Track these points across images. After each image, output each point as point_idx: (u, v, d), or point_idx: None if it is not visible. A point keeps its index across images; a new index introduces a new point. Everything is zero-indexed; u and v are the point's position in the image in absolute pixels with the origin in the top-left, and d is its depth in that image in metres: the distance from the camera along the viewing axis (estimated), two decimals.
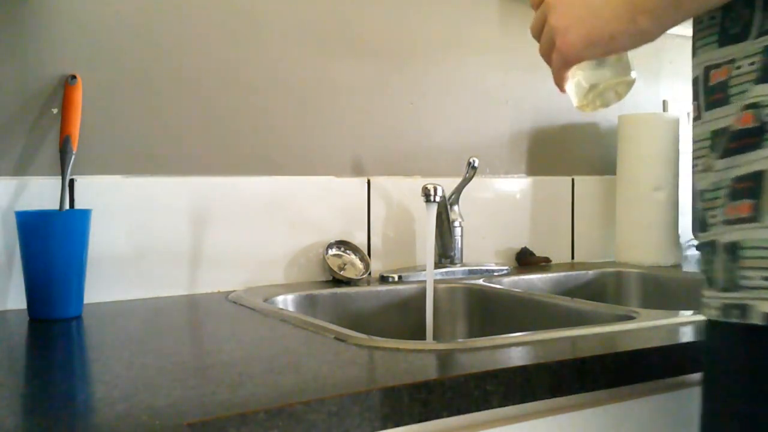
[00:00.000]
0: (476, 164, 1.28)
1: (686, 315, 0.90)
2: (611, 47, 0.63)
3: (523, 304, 1.09)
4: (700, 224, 0.61)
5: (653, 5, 0.58)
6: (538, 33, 0.69)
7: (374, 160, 1.29)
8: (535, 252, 1.43)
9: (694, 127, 0.63)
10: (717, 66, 0.59)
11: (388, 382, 0.61)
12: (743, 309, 0.54)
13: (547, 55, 0.68)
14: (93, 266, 1.01)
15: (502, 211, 1.42)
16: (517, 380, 0.66)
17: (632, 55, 0.68)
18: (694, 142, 0.63)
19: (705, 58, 0.61)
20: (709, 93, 0.60)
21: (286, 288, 1.13)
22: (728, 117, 0.57)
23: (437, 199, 1.11)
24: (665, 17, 0.58)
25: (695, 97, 0.63)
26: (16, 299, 0.97)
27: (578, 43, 0.63)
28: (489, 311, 1.16)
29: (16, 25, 1.00)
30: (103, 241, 1.04)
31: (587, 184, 1.52)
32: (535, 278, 1.30)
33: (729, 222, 0.56)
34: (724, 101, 0.58)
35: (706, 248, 0.59)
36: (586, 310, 0.99)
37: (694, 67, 0.63)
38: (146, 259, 1.07)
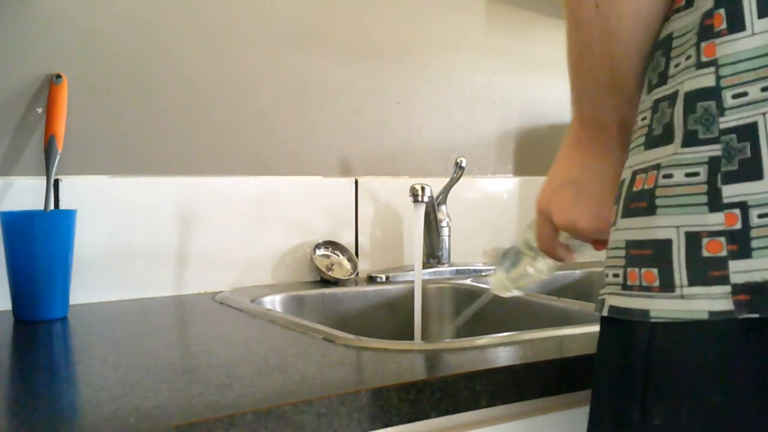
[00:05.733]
0: (464, 164, 1.28)
1: None
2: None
3: (511, 304, 1.09)
4: None
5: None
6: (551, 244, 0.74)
7: (362, 160, 1.29)
8: None
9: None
10: (643, 171, 0.53)
11: (376, 382, 0.61)
12: (601, 303, 0.56)
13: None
14: (79, 267, 1.00)
15: (490, 211, 1.42)
16: (506, 380, 0.66)
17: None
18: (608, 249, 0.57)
19: (632, 161, 0.55)
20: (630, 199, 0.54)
21: (274, 288, 1.13)
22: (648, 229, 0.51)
23: (425, 199, 1.11)
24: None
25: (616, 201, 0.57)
26: (0, 300, 0.96)
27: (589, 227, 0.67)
28: (477, 311, 1.16)
29: (0, 24, 0.99)
30: (88, 242, 1.03)
31: None
32: None
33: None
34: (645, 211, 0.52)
35: None
36: (573, 309, 0.99)
37: (624, 169, 0.57)
38: (132, 259, 1.07)
